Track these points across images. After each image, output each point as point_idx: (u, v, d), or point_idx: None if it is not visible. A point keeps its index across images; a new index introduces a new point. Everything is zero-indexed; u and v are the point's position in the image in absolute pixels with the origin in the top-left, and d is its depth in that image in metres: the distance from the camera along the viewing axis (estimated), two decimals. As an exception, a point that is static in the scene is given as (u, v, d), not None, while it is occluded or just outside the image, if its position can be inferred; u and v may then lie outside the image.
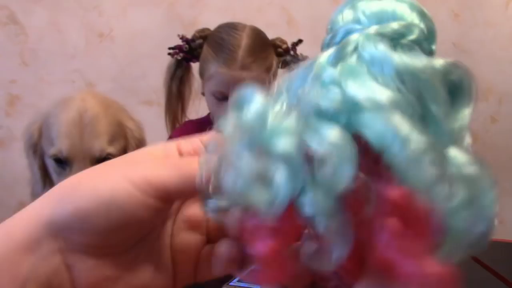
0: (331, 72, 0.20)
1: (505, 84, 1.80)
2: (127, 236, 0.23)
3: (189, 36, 1.10)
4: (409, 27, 0.21)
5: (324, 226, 0.19)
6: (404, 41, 0.21)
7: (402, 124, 0.18)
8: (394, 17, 0.22)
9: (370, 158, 0.19)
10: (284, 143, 0.19)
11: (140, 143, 1.01)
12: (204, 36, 1.08)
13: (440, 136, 0.19)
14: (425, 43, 0.22)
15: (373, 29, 0.21)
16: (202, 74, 1.06)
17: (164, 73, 1.14)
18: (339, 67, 0.20)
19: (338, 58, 0.21)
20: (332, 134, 0.18)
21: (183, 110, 1.17)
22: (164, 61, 1.11)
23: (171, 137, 1.14)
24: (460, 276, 0.18)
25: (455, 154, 0.20)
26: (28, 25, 1.79)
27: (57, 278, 0.22)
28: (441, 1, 1.77)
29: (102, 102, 0.97)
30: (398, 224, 0.17)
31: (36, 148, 0.92)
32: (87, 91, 1.03)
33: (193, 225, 0.26)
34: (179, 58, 1.10)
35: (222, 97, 1.01)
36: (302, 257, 0.21)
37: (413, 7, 0.22)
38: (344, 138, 0.18)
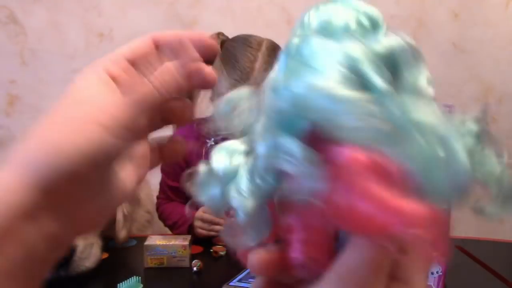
0: (280, 78, 0.21)
1: (505, 84, 1.80)
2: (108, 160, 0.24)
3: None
4: (341, 19, 0.22)
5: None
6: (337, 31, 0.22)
7: (342, 91, 0.18)
8: (330, 16, 0.23)
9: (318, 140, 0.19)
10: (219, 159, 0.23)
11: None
12: (219, 43, 1.06)
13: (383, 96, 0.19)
14: (366, 32, 0.22)
15: (310, 30, 0.23)
16: None
17: None
18: (287, 71, 0.21)
19: (285, 64, 0.21)
20: (298, 152, 0.19)
21: None
22: (164, 61, 1.11)
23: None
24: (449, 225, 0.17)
25: (411, 102, 0.19)
26: (28, 25, 1.79)
27: (58, 237, 0.23)
28: (441, 1, 1.77)
29: None
30: (364, 182, 0.17)
31: None
32: None
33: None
34: None
35: None
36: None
37: (348, 5, 0.23)
38: (310, 154, 0.18)
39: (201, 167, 0.24)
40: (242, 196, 0.21)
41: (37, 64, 1.80)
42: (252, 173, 0.21)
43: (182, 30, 0.28)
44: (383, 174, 0.17)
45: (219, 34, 1.08)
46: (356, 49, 0.20)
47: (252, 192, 0.21)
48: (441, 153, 0.18)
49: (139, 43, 0.30)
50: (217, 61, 1.04)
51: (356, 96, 0.18)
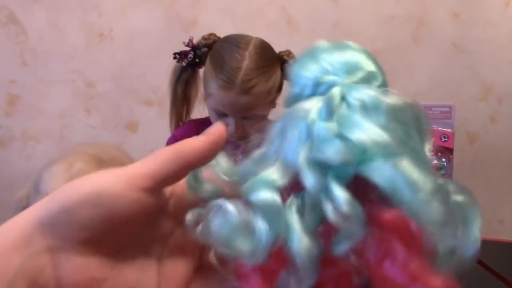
0: (327, 126, 0.21)
1: (505, 84, 1.80)
2: (112, 231, 0.23)
3: (192, 35, 1.10)
4: (373, 75, 0.25)
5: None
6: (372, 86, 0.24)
7: (411, 169, 0.19)
8: (357, 66, 0.25)
9: (364, 189, 0.20)
10: (264, 195, 0.21)
11: None
12: (209, 44, 1.05)
13: (425, 164, 0.21)
14: (383, 87, 0.25)
15: (347, 79, 0.24)
16: (204, 85, 1.05)
17: (169, 74, 1.12)
18: (334, 120, 0.21)
19: (330, 112, 0.22)
20: (346, 202, 0.19)
21: (188, 112, 1.15)
22: (164, 61, 1.11)
23: (173, 135, 1.14)
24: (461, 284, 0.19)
25: (444, 183, 0.22)
26: (28, 25, 1.79)
27: (43, 276, 0.22)
28: (441, 1, 1.77)
29: (94, 159, 0.93)
30: (399, 247, 0.19)
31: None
32: (79, 150, 1.00)
33: (184, 251, 0.26)
34: (184, 64, 1.08)
35: (221, 115, 1.02)
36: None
37: (369, 57, 0.26)
38: (356, 206, 0.19)
39: (231, 206, 0.22)
40: (299, 236, 0.20)
41: (37, 64, 1.80)
42: (302, 211, 0.21)
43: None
44: (420, 245, 0.19)
45: (211, 35, 1.08)
46: (401, 104, 0.22)
47: (305, 231, 0.20)
48: (466, 230, 0.21)
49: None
50: (207, 61, 1.04)
51: (430, 185, 0.19)
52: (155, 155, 0.24)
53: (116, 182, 0.22)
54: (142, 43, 1.79)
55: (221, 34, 1.11)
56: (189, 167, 0.24)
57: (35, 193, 0.84)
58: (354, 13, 1.77)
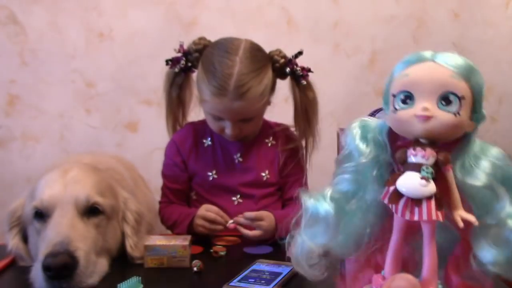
0: None
1: (505, 84, 1.80)
2: None
3: (189, 36, 1.10)
4: None
5: None
6: None
7: None
8: None
9: None
10: None
11: (139, 216, 0.95)
12: (200, 49, 1.05)
13: None
14: None
15: None
16: (198, 90, 1.05)
17: (163, 78, 1.13)
18: None
19: None
20: None
21: (184, 114, 1.16)
22: (164, 61, 1.11)
23: (172, 140, 1.15)
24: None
25: None
26: (28, 25, 1.79)
27: None
28: (441, 1, 1.77)
29: (89, 167, 0.92)
30: None
31: (19, 221, 0.87)
32: (76, 159, 0.99)
33: None
34: (176, 70, 1.08)
35: (218, 118, 1.03)
36: None
37: None
38: None
39: None
40: None
41: (37, 64, 1.80)
42: None
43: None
44: None
45: (201, 40, 1.08)
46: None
47: None
48: None
49: None
50: (199, 68, 1.04)
51: None
52: None
53: None
54: (142, 43, 1.78)
55: (221, 34, 1.11)
56: None
57: (31, 200, 0.83)
58: (354, 13, 1.77)
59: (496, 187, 0.25)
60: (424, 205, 0.26)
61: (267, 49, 1.07)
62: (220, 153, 1.10)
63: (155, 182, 1.19)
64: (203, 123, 1.13)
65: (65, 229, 0.79)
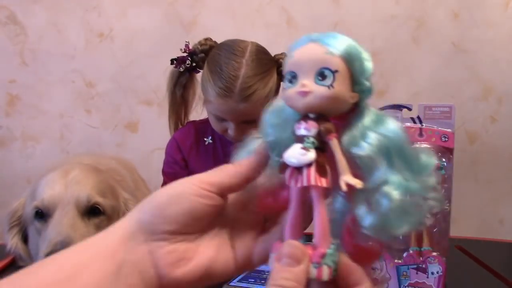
0: None
1: (505, 84, 1.80)
2: (193, 221, 0.31)
3: (192, 35, 1.10)
4: None
5: None
6: None
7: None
8: None
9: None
10: None
11: None
12: (206, 50, 1.06)
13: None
14: None
15: None
16: (202, 91, 1.06)
17: (167, 78, 1.13)
18: None
19: None
20: None
21: (186, 113, 1.17)
22: (164, 61, 1.11)
23: (173, 138, 1.15)
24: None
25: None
26: (28, 25, 1.79)
27: (143, 261, 0.30)
28: (441, 1, 1.77)
29: (90, 168, 0.93)
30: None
31: (19, 221, 0.87)
32: (76, 160, 1.00)
33: (248, 225, 0.35)
34: (181, 70, 1.09)
35: (221, 119, 1.03)
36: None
37: None
38: None
39: None
40: None
41: (37, 64, 1.81)
42: None
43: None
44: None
45: (207, 40, 1.08)
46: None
47: None
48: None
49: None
50: (205, 68, 1.05)
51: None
52: (221, 169, 0.33)
53: (191, 187, 0.31)
54: (142, 43, 1.79)
55: (221, 34, 1.11)
56: (246, 181, 0.33)
57: (31, 200, 0.83)
58: (354, 13, 1.77)
59: (376, 156, 0.28)
60: (305, 172, 0.28)
61: (267, 49, 1.07)
62: (220, 152, 1.11)
63: (155, 182, 1.19)
64: (204, 122, 1.13)
65: (66, 229, 0.79)
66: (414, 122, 0.68)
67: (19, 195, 0.91)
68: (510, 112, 1.81)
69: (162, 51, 1.12)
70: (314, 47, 0.30)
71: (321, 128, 0.29)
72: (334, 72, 0.29)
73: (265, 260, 0.32)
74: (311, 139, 0.29)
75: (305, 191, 0.29)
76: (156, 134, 1.59)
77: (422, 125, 0.67)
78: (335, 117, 0.30)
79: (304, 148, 0.29)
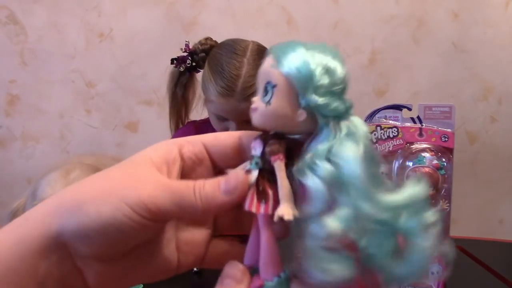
0: None
1: (505, 84, 1.80)
2: (126, 247, 0.26)
3: (192, 35, 1.10)
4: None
5: None
6: None
7: None
8: None
9: None
10: None
11: None
12: (206, 50, 1.06)
13: None
14: None
15: None
16: (203, 90, 1.06)
17: (167, 78, 1.13)
18: None
19: None
20: None
21: (187, 113, 1.17)
22: (164, 61, 1.11)
23: (173, 137, 1.15)
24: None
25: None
26: (28, 25, 1.79)
27: (71, 278, 0.25)
28: (441, 1, 1.77)
29: (91, 168, 0.93)
30: None
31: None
32: (77, 160, 1.00)
33: (197, 224, 0.30)
34: (182, 69, 1.09)
35: (222, 118, 1.03)
36: None
37: None
38: None
39: None
40: None
41: (37, 64, 1.80)
42: None
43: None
44: None
45: (207, 40, 1.08)
46: None
47: None
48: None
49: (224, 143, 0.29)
50: (206, 68, 1.05)
51: None
52: (169, 187, 0.25)
53: (128, 212, 0.24)
54: (142, 43, 1.79)
55: (222, 34, 1.11)
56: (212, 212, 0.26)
57: (32, 199, 0.83)
58: (354, 13, 1.77)
59: (321, 189, 0.24)
60: (249, 196, 0.26)
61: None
62: None
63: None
64: (205, 122, 1.13)
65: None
66: (414, 122, 0.68)
67: (19, 195, 0.91)
68: (510, 112, 1.81)
69: (162, 51, 1.12)
70: (268, 59, 0.27)
71: (266, 149, 0.26)
72: (273, 87, 0.26)
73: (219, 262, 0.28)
74: (255, 159, 0.26)
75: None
76: (156, 134, 1.59)
77: (422, 125, 0.67)
78: (306, 136, 0.27)
79: (248, 170, 0.26)
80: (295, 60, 0.26)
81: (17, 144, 1.84)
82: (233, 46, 1.03)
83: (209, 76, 1.02)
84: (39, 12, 1.78)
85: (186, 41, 1.09)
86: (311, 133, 0.26)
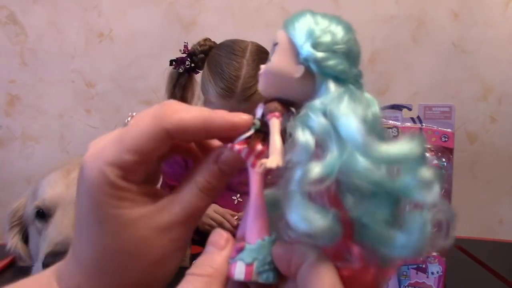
0: None
1: (504, 84, 1.80)
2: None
3: (189, 36, 1.10)
4: None
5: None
6: None
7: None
8: None
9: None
10: None
11: None
12: (206, 51, 1.06)
13: None
14: None
15: None
16: (203, 91, 1.06)
17: (166, 78, 1.13)
18: None
19: None
20: None
21: None
22: (164, 61, 1.11)
23: None
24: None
25: None
26: (28, 25, 1.79)
27: None
28: (441, 1, 1.77)
29: None
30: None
31: (20, 221, 0.87)
32: (77, 161, 1.00)
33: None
34: (181, 71, 1.09)
35: None
36: None
37: None
38: None
39: None
40: None
41: (37, 64, 1.80)
42: None
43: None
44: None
45: (206, 41, 1.08)
46: None
47: None
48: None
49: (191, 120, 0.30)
50: (205, 69, 1.05)
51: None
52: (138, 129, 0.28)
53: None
54: (142, 43, 1.79)
55: (221, 34, 1.11)
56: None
57: (32, 199, 0.83)
58: (354, 13, 1.77)
59: (309, 142, 0.23)
60: (243, 154, 0.26)
61: (267, 49, 1.07)
62: None
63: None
64: None
65: (66, 229, 0.79)
66: (414, 122, 0.68)
67: (19, 195, 0.91)
68: (510, 112, 1.81)
69: (162, 51, 1.12)
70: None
71: (264, 109, 0.27)
72: (275, 45, 0.26)
73: None
74: (256, 121, 0.27)
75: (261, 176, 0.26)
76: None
77: (422, 125, 0.67)
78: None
79: (248, 131, 0.26)
80: (299, 22, 0.26)
81: (17, 144, 1.84)
82: (232, 47, 1.03)
83: (208, 78, 1.02)
84: (39, 12, 1.78)
85: (185, 42, 1.09)
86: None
